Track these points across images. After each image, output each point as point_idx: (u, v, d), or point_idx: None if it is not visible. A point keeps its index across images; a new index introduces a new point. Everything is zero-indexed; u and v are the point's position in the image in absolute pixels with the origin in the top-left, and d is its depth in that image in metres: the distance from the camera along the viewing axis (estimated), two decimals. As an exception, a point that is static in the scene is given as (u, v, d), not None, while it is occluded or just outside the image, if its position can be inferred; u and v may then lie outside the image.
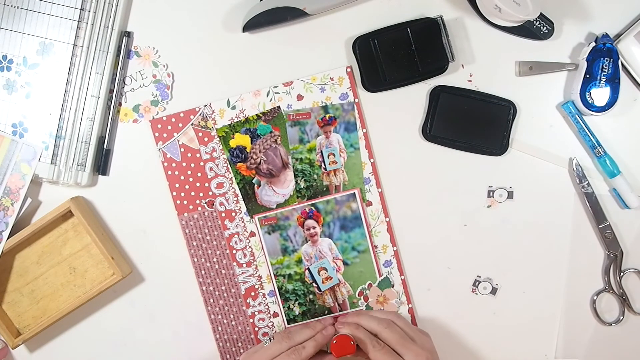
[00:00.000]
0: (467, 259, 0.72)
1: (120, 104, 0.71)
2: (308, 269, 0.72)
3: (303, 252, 0.72)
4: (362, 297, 0.72)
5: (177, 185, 0.71)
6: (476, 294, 0.72)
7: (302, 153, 0.71)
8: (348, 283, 0.72)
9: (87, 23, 0.68)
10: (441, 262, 0.72)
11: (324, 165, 0.71)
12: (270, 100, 0.70)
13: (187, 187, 0.71)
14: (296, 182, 0.71)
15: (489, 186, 0.71)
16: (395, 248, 0.71)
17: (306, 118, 0.70)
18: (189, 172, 0.71)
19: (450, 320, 0.73)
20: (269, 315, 0.73)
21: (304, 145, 0.70)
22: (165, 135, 0.71)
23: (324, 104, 0.70)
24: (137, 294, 0.73)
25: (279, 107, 0.70)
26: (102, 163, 0.71)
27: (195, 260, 0.72)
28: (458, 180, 0.71)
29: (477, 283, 0.72)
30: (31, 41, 0.69)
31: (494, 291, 0.72)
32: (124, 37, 0.70)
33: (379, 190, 0.71)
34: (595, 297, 0.72)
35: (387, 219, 0.71)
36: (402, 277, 0.72)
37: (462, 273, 0.72)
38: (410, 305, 0.72)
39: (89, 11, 0.68)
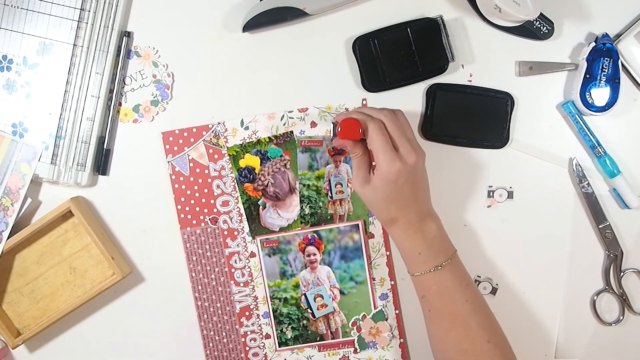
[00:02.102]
0: (467, 259, 0.71)
1: (120, 104, 0.71)
2: (304, 294, 0.72)
3: (301, 278, 0.72)
4: (355, 328, 0.72)
5: (182, 199, 0.71)
6: (476, 294, 0.72)
7: (310, 179, 0.71)
8: (343, 312, 0.72)
9: (87, 23, 0.68)
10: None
11: (331, 193, 0.71)
12: (284, 124, 0.70)
13: (192, 202, 0.71)
14: (301, 207, 0.71)
15: (489, 186, 0.71)
16: (392, 282, 0.72)
17: (318, 145, 0.70)
18: (196, 188, 0.71)
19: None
20: (261, 336, 0.73)
21: (313, 172, 0.70)
22: (175, 148, 0.71)
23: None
24: (137, 294, 0.73)
25: (292, 132, 0.70)
26: (102, 163, 0.71)
27: (194, 275, 0.72)
28: (458, 180, 0.71)
29: (477, 283, 0.72)
30: (31, 41, 0.69)
31: (494, 291, 0.72)
32: (124, 37, 0.70)
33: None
34: (595, 297, 0.72)
35: (388, 253, 0.71)
36: (397, 311, 0.72)
37: (462, 273, 0.72)
38: (402, 340, 0.72)
39: (89, 11, 0.68)
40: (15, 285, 0.72)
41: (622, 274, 0.71)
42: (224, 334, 0.73)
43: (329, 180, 0.71)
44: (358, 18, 0.69)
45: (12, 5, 0.68)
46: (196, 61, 0.70)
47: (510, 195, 0.71)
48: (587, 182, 0.70)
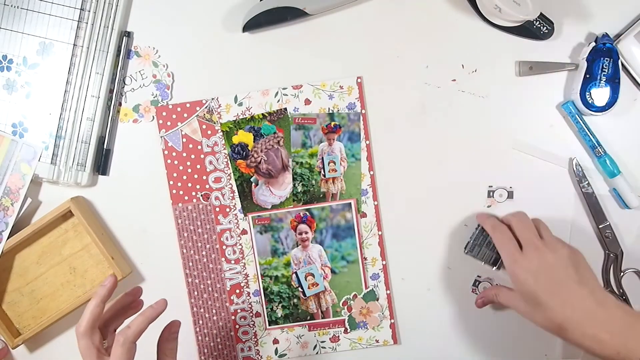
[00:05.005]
0: (467, 259, 0.72)
1: (120, 104, 0.71)
2: (295, 272, 0.72)
3: (292, 256, 0.72)
4: (345, 307, 0.72)
5: (175, 174, 0.71)
6: (476, 293, 0.72)
7: (303, 157, 0.71)
8: (333, 291, 0.72)
9: (87, 23, 0.69)
10: (441, 262, 0.72)
11: (324, 172, 0.71)
12: (278, 101, 0.70)
13: (184, 177, 0.71)
14: (294, 185, 0.71)
15: (489, 186, 0.71)
16: (384, 262, 0.72)
17: (311, 123, 0.70)
18: (189, 163, 0.71)
19: (450, 320, 0.73)
20: (251, 314, 0.73)
21: (306, 150, 0.70)
22: (169, 123, 0.71)
23: (330, 111, 0.70)
24: (137, 294, 0.73)
25: (285, 109, 0.70)
26: (102, 163, 0.71)
27: (184, 251, 0.72)
28: (458, 180, 0.71)
29: (477, 283, 0.72)
30: (31, 41, 0.69)
31: (494, 291, 0.72)
32: (124, 37, 0.70)
33: (375, 203, 0.71)
34: (595, 297, 0.72)
35: (380, 233, 0.71)
36: (388, 291, 0.72)
37: (462, 273, 0.72)
38: (392, 321, 0.72)
39: (89, 11, 0.68)
40: (15, 285, 0.72)
41: (622, 274, 0.71)
42: (214, 311, 0.73)
43: (322, 158, 0.71)
44: (358, 18, 0.69)
45: (12, 5, 0.68)
46: (196, 61, 0.70)
47: (510, 195, 0.71)
48: (587, 182, 0.70)
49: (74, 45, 0.69)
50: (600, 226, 0.70)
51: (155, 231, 0.72)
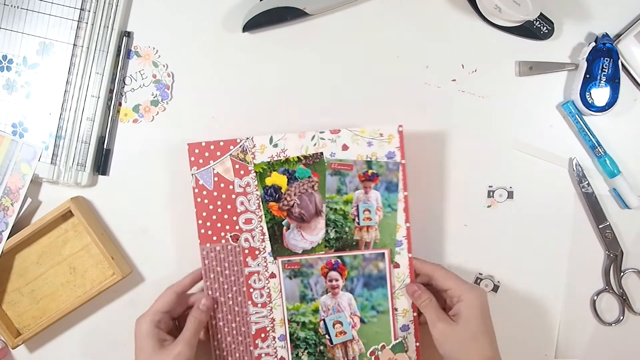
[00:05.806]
0: (468, 259, 0.72)
1: (120, 104, 0.71)
2: (324, 320, 0.69)
3: (321, 303, 0.69)
4: (373, 357, 0.69)
5: (204, 213, 0.68)
6: (476, 293, 0.72)
7: (337, 203, 0.68)
8: (361, 341, 0.69)
9: (87, 23, 0.69)
10: (441, 263, 0.72)
11: (358, 220, 0.68)
12: (315, 144, 0.67)
13: (214, 217, 0.68)
14: (326, 231, 0.68)
15: (489, 186, 0.71)
16: (415, 314, 0.68)
17: (348, 169, 0.67)
18: (219, 203, 0.68)
19: (450, 320, 0.73)
20: (275, 359, 0.70)
21: (341, 196, 0.68)
22: (201, 161, 0.68)
23: (368, 159, 0.67)
24: (137, 294, 0.73)
25: (321, 153, 0.67)
26: (102, 163, 0.71)
27: (210, 292, 0.69)
28: (458, 180, 0.71)
29: (478, 280, 0.72)
30: (31, 41, 0.69)
31: (495, 288, 0.72)
32: (124, 37, 0.70)
33: (410, 255, 0.68)
34: (595, 297, 0.72)
35: None
36: (418, 343, 0.68)
37: (462, 273, 0.72)
38: None
39: (89, 11, 0.68)
40: (15, 285, 0.72)
41: (622, 274, 0.71)
42: (237, 355, 0.70)
43: (357, 205, 0.68)
44: (358, 18, 0.69)
45: (12, 5, 0.68)
46: (196, 61, 0.70)
47: (510, 195, 0.71)
48: (587, 182, 0.70)
49: (74, 45, 0.69)
50: (600, 226, 0.70)
51: (155, 231, 0.72)
